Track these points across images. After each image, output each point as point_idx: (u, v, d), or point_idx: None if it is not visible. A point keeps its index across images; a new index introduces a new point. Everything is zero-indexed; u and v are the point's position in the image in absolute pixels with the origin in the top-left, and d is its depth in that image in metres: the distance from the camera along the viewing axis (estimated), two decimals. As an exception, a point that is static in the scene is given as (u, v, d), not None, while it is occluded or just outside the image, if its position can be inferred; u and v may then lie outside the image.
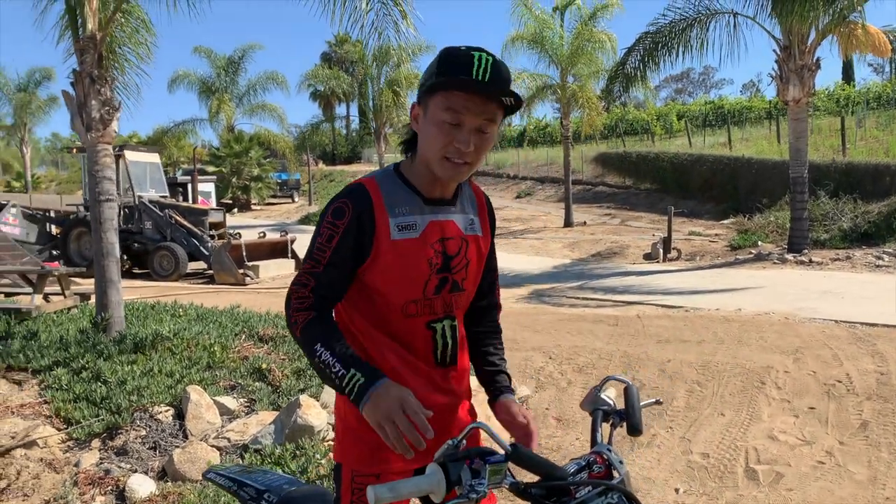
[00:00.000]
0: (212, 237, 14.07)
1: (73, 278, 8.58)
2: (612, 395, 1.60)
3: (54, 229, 15.93)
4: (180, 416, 4.37)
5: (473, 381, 1.78)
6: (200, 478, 3.46)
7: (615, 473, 1.37)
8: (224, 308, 7.15)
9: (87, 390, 4.57)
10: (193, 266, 14.14)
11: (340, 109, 54.15)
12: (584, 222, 20.50)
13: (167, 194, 15.94)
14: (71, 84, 5.88)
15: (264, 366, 5.01)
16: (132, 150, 15.08)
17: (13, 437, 4.02)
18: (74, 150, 16.25)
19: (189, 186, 21.30)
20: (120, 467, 3.87)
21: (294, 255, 14.50)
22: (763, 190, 17.67)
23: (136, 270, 14.61)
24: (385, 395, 1.29)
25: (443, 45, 1.55)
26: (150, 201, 14.36)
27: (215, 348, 5.28)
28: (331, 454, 3.30)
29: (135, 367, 4.88)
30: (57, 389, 4.65)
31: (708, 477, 3.87)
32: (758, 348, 6.05)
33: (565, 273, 13.02)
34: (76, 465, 3.91)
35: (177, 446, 4.01)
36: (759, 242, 14.50)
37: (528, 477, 1.29)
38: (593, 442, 1.46)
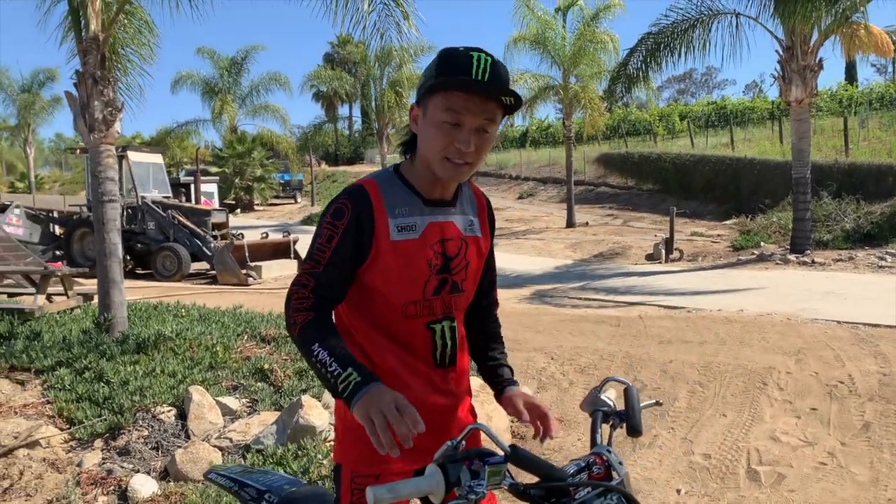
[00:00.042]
0: (214, 238, 14.10)
1: (76, 279, 8.59)
2: (612, 397, 1.60)
3: (58, 230, 15.97)
4: (182, 416, 4.38)
5: (474, 382, 1.79)
6: (202, 478, 3.47)
7: (615, 474, 1.37)
8: (226, 308, 7.17)
9: (89, 390, 4.58)
10: (196, 266, 14.17)
11: (343, 110, 54.28)
12: (587, 223, 20.48)
13: (170, 195, 15.97)
14: (74, 85, 5.90)
15: (266, 366, 5.02)
16: (135, 151, 15.12)
17: (16, 437, 4.03)
18: (78, 151, 16.30)
19: (192, 187, 21.33)
20: (122, 467, 3.88)
21: (296, 256, 14.52)
22: (765, 190, 17.64)
23: (139, 271, 14.64)
24: (377, 394, 1.27)
25: (443, 45, 1.56)
26: (154, 202, 14.39)
27: (218, 349, 5.29)
28: (332, 454, 3.31)
29: (137, 367, 4.89)
30: (60, 389, 4.66)
31: (709, 478, 3.87)
32: (760, 349, 6.04)
33: (567, 274, 13.01)
34: (79, 465, 3.92)
35: (179, 446, 4.02)
36: (762, 243, 14.48)
37: (528, 478, 1.29)
38: (593, 443, 1.47)
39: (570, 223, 20.27)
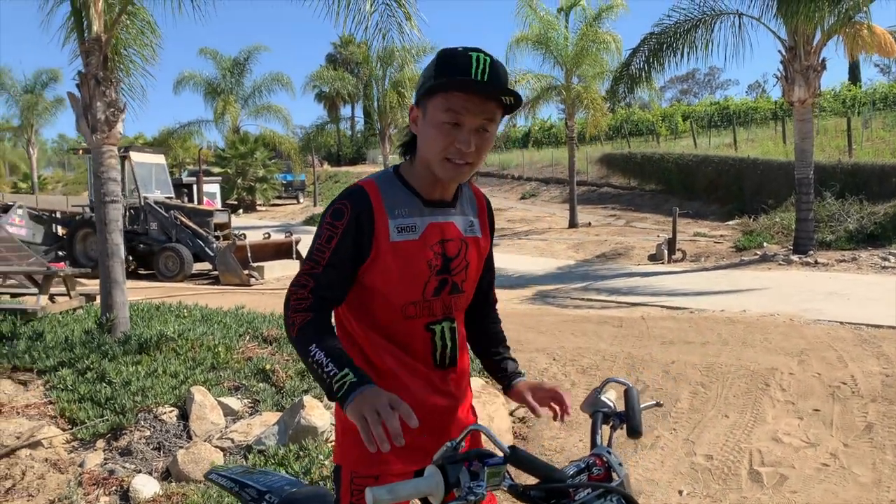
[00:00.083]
0: (217, 238, 14.11)
1: (78, 279, 8.61)
2: (612, 398, 1.60)
3: (60, 230, 16.00)
4: (184, 416, 4.39)
5: (476, 382, 1.79)
6: (204, 478, 3.47)
7: (615, 476, 1.37)
8: (228, 309, 7.17)
9: (91, 391, 4.59)
10: (198, 267, 14.19)
11: (345, 111, 54.32)
12: (589, 223, 20.47)
13: (172, 195, 15.99)
14: (77, 86, 5.91)
15: (268, 367, 5.03)
16: (138, 152, 15.14)
17: (18, 438, 4.03)
18: (80, 152, 16.31)
19: (194, 187, 21.40)
20: (124, 468, 3.89)
21: (299, 256, 14.52)
22: (768, 191, 17.61)
23: (142, 271, 14.66)
24: (372, 394, 1.25)
25: (445, 45, 1.56)
26: (156, 202, 14.41)
27: (219, 349, 5.30)
28: (332, 455, 3.31)
29: (139, 367, 4.90)
30: (62, 390, 4.67)
31: (711, 479, 3.86)
32: (762, 350, 6.03)
33: (570, 274, 13.00)
34: (81, 465, 3.93)
35: (181, 447, 4.03)
36: (765, 243, 14.45)
37: (528, 479, 1.29)
38: (593, 444, 1.47)
39: (573, 223, 20.26)
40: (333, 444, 3.58)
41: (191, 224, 14.00)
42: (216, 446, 4.01)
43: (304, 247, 14.41)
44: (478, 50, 1.44)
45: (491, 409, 4.34)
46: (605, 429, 1.53)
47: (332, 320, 1.53)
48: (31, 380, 4.92)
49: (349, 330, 1.57)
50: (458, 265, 1.58)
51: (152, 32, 7.07)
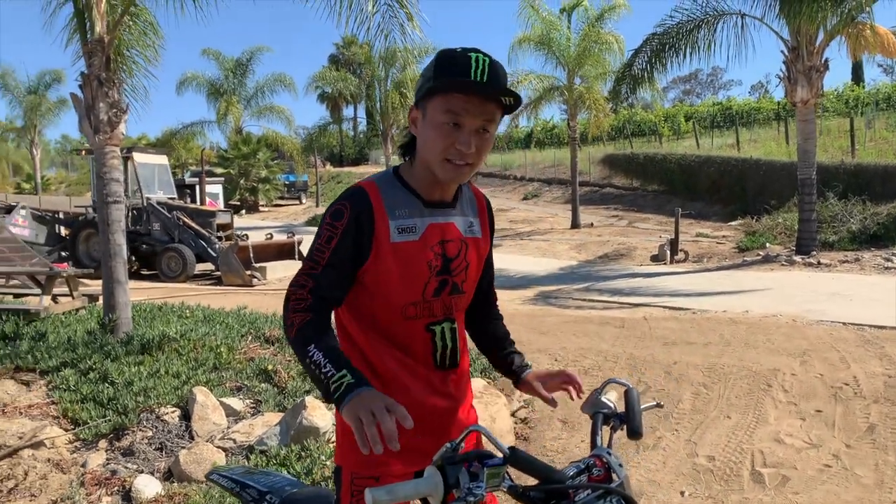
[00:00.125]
0: (219, 239, 14.12)
1: (81, 279, 8.63)
2: (612, 398, 1.60)
3: (63, 231, 16.02)
4: (186, 417, 4.39)
5: (477, 383, 1.79)
6: (205, 479, 3.47)
7: (615, 477, 1.37)
8: (231, 309, 7.18)
9: (94, 391, 4.60)
10: (201, 267, 14.20)
11: (348, 111, 54.37)
12: (591, 224, 20.46)
13: (175, 196, 16.00)
14: (79, 87, 5.92)
15: (270, 367, 5.03)
16: (140, 152, 15.16)
17: (21, 438, 4.04)
18: (83, 152, 16.35)
19: (197, 188, 21.40)
20: (126, 468, 3.90)
21: (301, 257, 14.53)
22: (771, 191, 17.59)
23: (144, 272, 14.68)
24: (368, 396, 1.25)
25: (447, 46, 1.57)
26: (159, 203, 14.43)
27: (222, 349, 5.30)
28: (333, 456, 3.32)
29: (142, 368, 4.91)
30: (64, 390, 4.68)
31: (713, 480, 3.86)
32: (765, 350, 6.02)
33: (572, 275, 12.99)
34: (83, 465, 3.93)
35: (183, 447, 4.03)
36: (767, 244, 14.43)
37: (527, 480, 1.29)
38: (593, 445, 1.46)
39: (575, 224, 20.25)
40: (335, 444, 3.58)
41: (193, 224, 14.02)
42: (218, 447, 4.02)
43: (306, 247, 14.42)
44: (477, 51, 1.45)
45: (493, 410, 4.34)
46: (606, 430, 1.53)
47: (332, 321, 1.53)
48: (34, 380, 4.93)
49: (349, 331, 1.58)
50: (458, 266, 1.58)
51: (155, 33, 7.09)
